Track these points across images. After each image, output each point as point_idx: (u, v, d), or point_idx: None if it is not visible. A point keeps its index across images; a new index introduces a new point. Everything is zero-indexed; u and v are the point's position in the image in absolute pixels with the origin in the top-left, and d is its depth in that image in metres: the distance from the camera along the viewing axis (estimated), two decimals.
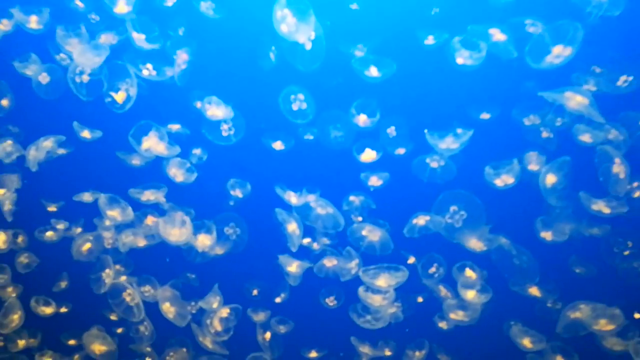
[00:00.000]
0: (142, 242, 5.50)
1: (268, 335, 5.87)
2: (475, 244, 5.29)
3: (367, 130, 5.24)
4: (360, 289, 5.46)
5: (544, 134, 5.32)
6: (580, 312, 5.04)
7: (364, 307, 5.69)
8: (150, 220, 5.39)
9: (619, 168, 4.91)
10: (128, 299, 5.43)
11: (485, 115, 5.30)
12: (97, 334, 5.83)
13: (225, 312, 5.56)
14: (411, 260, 5.77)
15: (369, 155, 5.39)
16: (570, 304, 5.13)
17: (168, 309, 5.44)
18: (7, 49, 5.03)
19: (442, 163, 5.26)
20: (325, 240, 5.61)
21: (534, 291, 5.69)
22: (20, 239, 5.99)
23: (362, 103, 5.12)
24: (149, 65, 4.88)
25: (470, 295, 5.33)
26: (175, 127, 5.25)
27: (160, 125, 5.04)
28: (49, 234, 5.91)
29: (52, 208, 5.82)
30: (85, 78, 4.79)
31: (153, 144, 4.91)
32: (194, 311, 5.66)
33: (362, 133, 5.31)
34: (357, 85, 4.99)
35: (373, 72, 4.90)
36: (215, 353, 5.81)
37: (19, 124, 5.49)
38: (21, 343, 6.26)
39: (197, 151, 5.41)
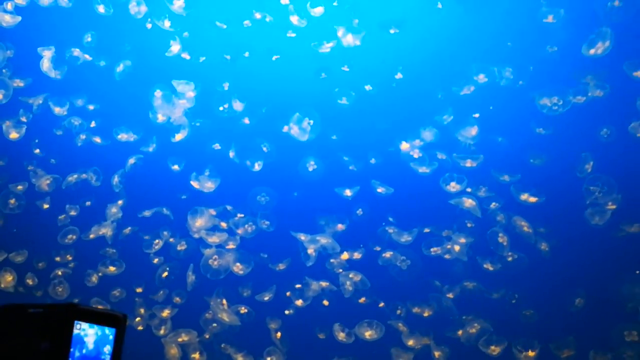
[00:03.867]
0: None
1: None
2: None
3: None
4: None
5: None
6: (474, 328, 8.25)
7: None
8: None
9: (502, 239, 8.39)
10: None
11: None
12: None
13: (243, 309, 8.50)
14: (381, 304, 9.07)
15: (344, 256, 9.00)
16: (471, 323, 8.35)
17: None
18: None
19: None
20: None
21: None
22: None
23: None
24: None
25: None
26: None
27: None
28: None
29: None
30: None
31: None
32: None
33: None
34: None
35: (347, 192, 8.78)
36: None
37: None
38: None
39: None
